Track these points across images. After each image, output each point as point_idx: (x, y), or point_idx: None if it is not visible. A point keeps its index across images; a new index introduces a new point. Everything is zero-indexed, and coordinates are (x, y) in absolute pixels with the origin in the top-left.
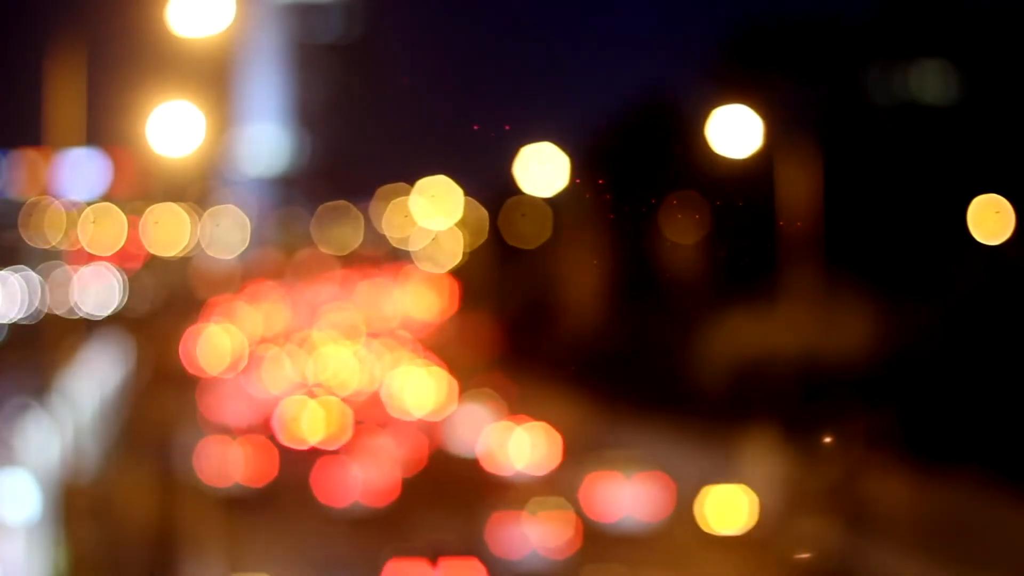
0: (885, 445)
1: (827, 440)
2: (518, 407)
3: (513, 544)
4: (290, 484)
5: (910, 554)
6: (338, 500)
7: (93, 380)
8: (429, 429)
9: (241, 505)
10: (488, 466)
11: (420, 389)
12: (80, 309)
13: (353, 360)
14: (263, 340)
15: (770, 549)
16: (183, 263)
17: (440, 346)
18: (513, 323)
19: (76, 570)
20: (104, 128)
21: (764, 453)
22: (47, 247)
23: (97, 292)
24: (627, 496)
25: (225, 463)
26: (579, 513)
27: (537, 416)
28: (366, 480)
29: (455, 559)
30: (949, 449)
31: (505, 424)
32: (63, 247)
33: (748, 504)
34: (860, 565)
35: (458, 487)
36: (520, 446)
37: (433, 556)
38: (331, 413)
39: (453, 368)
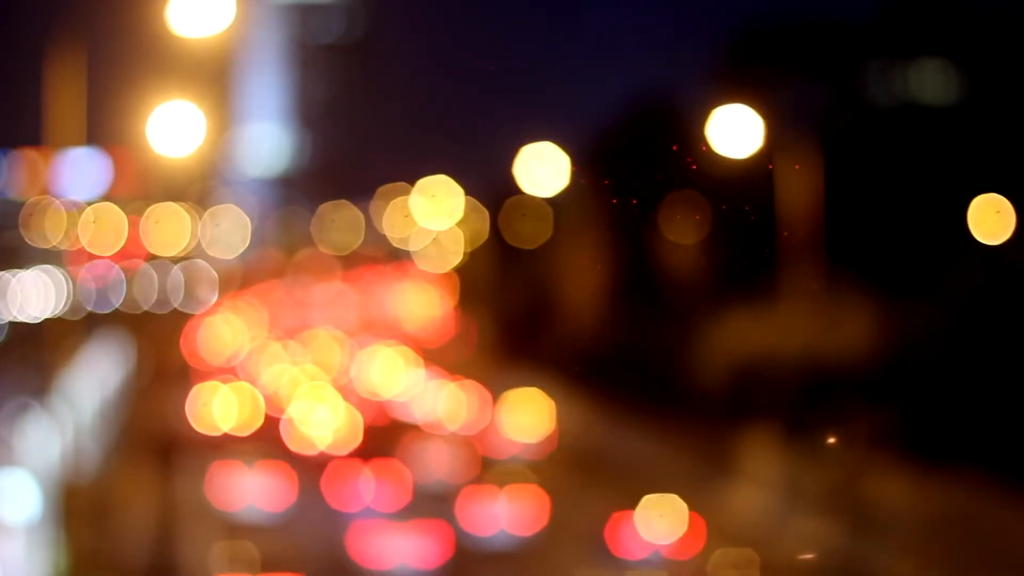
0: (886, 445)
1: (829, 440)
2: (458, 371)
3: (423, 468)
4: (268, 437)
5: (912, 554)
6: (305, 450)
7: (93, 380)
8: (390, 404)
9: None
10: (427, 428)
11: (390, 373)
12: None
13: (343, 355)
14: (262, 336)
15: (772, 549)
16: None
17: (435, 344)
18: (513, 323)
19: (76, 570)
20: (104, 128)
21: (765, 453)
22: (47, 247)
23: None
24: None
25: (214, 413)
26: (473, 447)
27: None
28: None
29: (381, 459)
30: (950, 449)
31: (442, 382)
32: (63, 247)
33: (546, 410)
34: (862, 565)
35: (400, 441)
36: (456, 408)
37: (366, 458)
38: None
39: (435, 359)
